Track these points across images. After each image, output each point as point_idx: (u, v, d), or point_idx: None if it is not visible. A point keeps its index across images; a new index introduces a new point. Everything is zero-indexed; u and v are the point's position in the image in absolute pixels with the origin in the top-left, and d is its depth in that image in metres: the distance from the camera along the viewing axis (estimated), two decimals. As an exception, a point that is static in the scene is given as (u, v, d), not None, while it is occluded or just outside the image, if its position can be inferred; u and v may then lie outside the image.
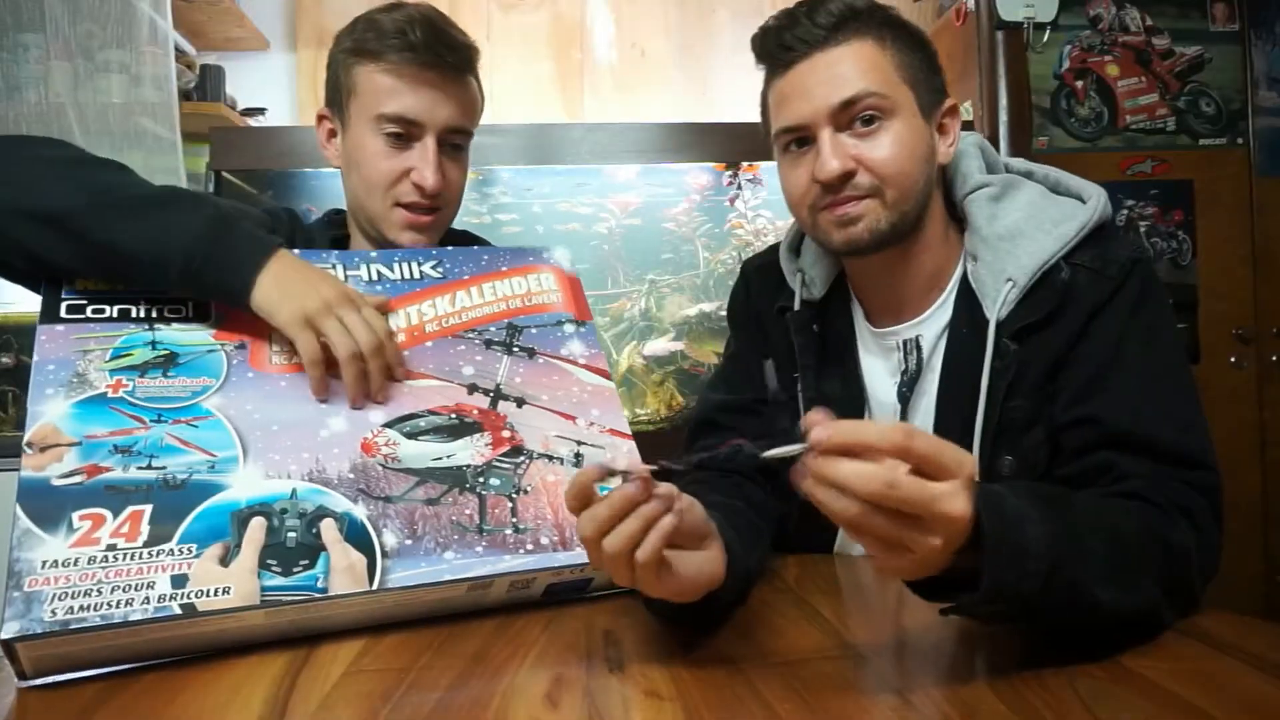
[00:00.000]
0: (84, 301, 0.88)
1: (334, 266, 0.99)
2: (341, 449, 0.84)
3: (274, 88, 2.75)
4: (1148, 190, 2.73)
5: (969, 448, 0.90)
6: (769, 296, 1.09)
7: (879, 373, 1.02)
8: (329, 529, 0.78)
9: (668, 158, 2.09)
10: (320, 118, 1.17)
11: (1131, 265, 0.88)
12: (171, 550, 0.73)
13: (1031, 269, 0.89)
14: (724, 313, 1.27)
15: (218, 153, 2.01)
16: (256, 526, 0.76)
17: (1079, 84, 2.76)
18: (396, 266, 1.02)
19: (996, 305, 0.90)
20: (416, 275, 1.02)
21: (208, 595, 0.71)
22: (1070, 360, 0.88)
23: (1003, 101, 2.40)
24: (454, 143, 1.12)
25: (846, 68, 0.89)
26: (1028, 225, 0.92)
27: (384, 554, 0.78)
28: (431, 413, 0.91)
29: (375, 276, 1.00)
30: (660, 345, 2.16)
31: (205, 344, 0.89)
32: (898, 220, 0.91)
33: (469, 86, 1.12)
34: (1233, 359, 2.73)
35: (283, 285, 0.88)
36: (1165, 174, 2.77)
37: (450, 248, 1.08)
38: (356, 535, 0.78)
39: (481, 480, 0.87)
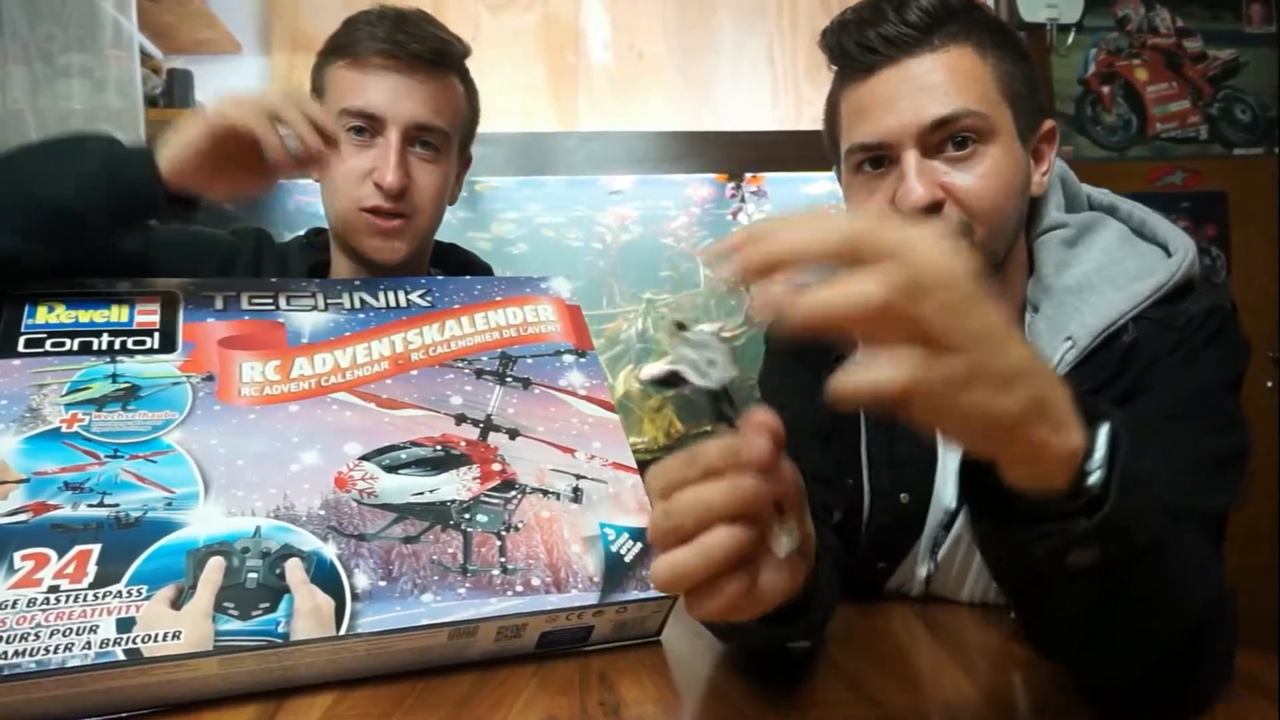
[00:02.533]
0: (43, 335, 0.88)
1: (314, 295, 0.99)
2: (313, 484, 0.83)
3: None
4: (1178, 203, 2.72)
5: None
6: None
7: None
8: (294, 569, 0.76)
9: (667, 168, 2.09)
10: None
11: (1204, 317, 0.80)
12: (119, 592, 0.71)
13: (1096, 329, 0.81)
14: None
15: (185, 162, 1.99)
16: (214, 566, 0.74)
17: (1105, 89, 2.76)
18: (382, 294, 1.01)
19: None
20: (403, 304, 1.01)
21: (156, 640, 0.69)
22: None
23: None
24: (425, 141, 1.09)
25: (941, 79, 0.80)
26: (1099, 278, 0.84)
27: (354, 596, 0.76)
28: (414, 444, 0.89)
29: (359, 305, 0.99)
30: (658, 369, 2.14)
31: (170, 376, 0.88)
32: (983, 263, 0.81)
33: (443, 83, 1.10)
34: (1269, 384, 2.72)
35: (225, 103, 0.88)
36: (1197, 185, 2.77)
37: (441, 277, 1.07)
38: (325, 576, 0.76)
39: (467, 516, 0.85)
